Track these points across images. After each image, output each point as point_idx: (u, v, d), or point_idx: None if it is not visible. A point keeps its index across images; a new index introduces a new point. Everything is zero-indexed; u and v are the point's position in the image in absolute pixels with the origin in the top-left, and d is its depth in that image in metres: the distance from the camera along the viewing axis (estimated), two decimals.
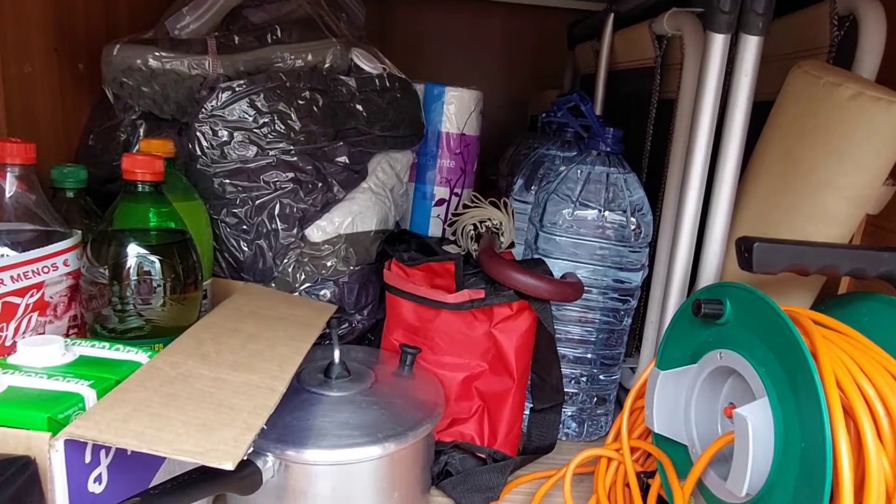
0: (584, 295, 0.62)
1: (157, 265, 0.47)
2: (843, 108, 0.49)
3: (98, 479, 0.36)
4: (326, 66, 0.65)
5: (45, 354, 0.40)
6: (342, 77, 0.65)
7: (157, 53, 0.60)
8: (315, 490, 0.45)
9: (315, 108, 0.62)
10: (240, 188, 0.61)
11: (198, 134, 0.59)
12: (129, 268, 0.46)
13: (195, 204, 0.58)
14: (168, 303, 0.47)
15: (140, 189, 0.47)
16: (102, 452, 0.37)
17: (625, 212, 0.63)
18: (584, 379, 0.67)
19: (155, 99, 0.62)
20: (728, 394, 0.46)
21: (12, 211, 0.46)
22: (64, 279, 0.48)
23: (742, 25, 0.52)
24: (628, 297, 0.66)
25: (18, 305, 0.44)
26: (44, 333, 0.47)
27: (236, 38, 0.63)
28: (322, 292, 0.65)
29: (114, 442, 0.33)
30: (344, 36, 0.68)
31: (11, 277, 0.44)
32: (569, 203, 0.63)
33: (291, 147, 0.61)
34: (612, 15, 0.86)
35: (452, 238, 0.77)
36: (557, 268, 0.63)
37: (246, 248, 0.62)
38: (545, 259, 0.63)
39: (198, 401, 0.38)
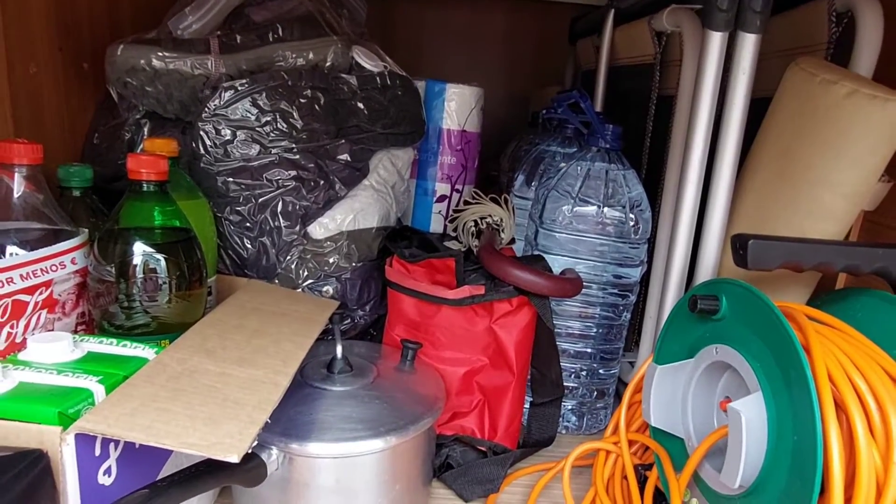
0: (584, 290, 0.63)
1: (163, 263, 0.48)
2: (838, 105, 0.49)
3: (108, 471, 0.37)
4: (328, 64, 0.66)
5: (54, 351, 0.41)
6: (343, 75, 0.66)
7: (160, 53, 0.61)
8: (318, 482, 0.46)
9: (317, 107, 0.63)
10: (243, 186, 0.62)
11: (201, 133, 0.60)
12: (136, 266, 0.47)
13: (199, 202, 0.59)
14: (173, 299, 0.48)
15: (145, 188, 0.48)
16: (111, 446, 0.38)
17: (624, 208, 0.64)
18: (583, 373, 0.68)
19: (158, 98, 0.63)
20: (724, 388, 0.47)
21: (20, 210, 0.47)
22: (72, 277, 0.49)
23: (740, 23, 0.53)
24: (627, 293, 0.67)
25: (28, 303, 0.45)
26: (53, 330, 0.48)
27: (238, 38, 0.63)
28: (325, 288, 0.66)
29: (122, 436, 0.34)
30: (345, 34, 0.69)
31: (21, 276, 0.44)
32: (568, 199, 0.64)
33: (294, 145, 0.62)
34: (613, 11, 0.86)
35: (453, 234, 0.78)
36: (557, 264, 0.64)
37: (249, 246, 0.63)
38: (545, 255, 0.64)
39: (203, 395, 0.39)
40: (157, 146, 0.55)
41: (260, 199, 0.62)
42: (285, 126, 0.62)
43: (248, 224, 0.63)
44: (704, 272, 0.58)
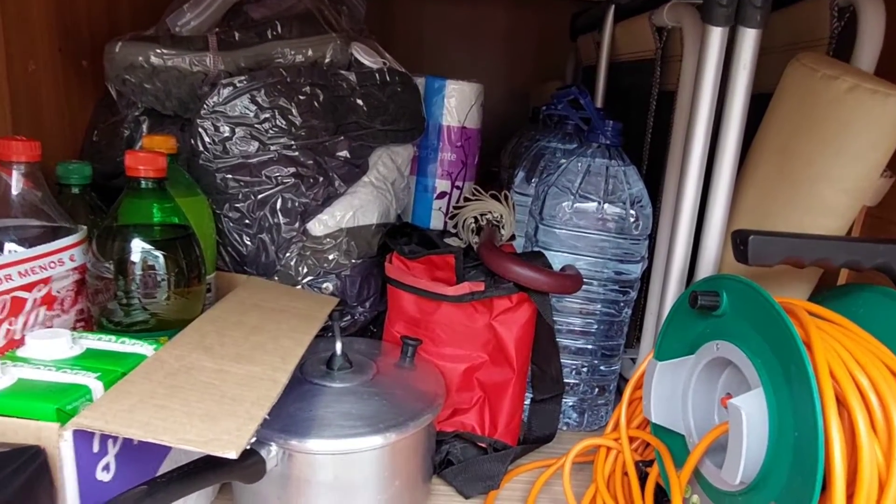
0: (585, 287, 0.63)
1: (161, 260, 0.48)
2: (840, 100, 0.49)
3: (106, 467, 0.37)
4: (327, 60, 0.65)
5: (53, 347, 0.41)
6: (342, 72, 0.66)
7: (158, 50, 0.61)
8: (318, 479, 0.46)
9: (316, 103, 0.63)
10: (242, 183, 0.62)
11: (200, 130, 0.60)
12: (134, 263, 0.47)
13: (198, 199, 0.59)
14: (172, 296, 0.48)
15: (143, 185, 0.48)
16: (110, 442, 0.38)
17: (624, 204, 0.63)
18: (584, 369, 0.68)
19: (157, 95, 0.63)
20: (725, 384, 0.47)
21: (19, 207, 0.47)
22: (70, 274, 0.49)
23: (740, 18, 0.52)
24: (628, 289, 0.67)
25: (26, 300, 0.45)
26: (51, 327, 0.48)
27: (237, 35, 0.63)
28: (324, 285, 0.66)
29: (120, 432, 0.34)
30: (344, 30, 0.69)
31: (19, 273, 0.44)
32: (568, 195, 0.64)
33: (292, 142, 0.62)
34: (613, 6, 0.86)
35: (454, 231, 0.78)
36: (557, 260, 0.64)
37: (248, 243, 0.63)
38: (545, 251, 0.63)
39: (201, 392, 0.39)
40: (156, 143, 0.55)
41: (259, 196, 0.62)
42: (284, 123, 0.62)
43: (247, 221, 0.63)
44: (705, 268, 0.57)
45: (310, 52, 0.65)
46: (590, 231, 0.64)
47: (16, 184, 0.47)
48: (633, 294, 0.68)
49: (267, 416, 0.39)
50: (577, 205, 0.63)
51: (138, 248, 0.47)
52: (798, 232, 0.49)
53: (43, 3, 0.65)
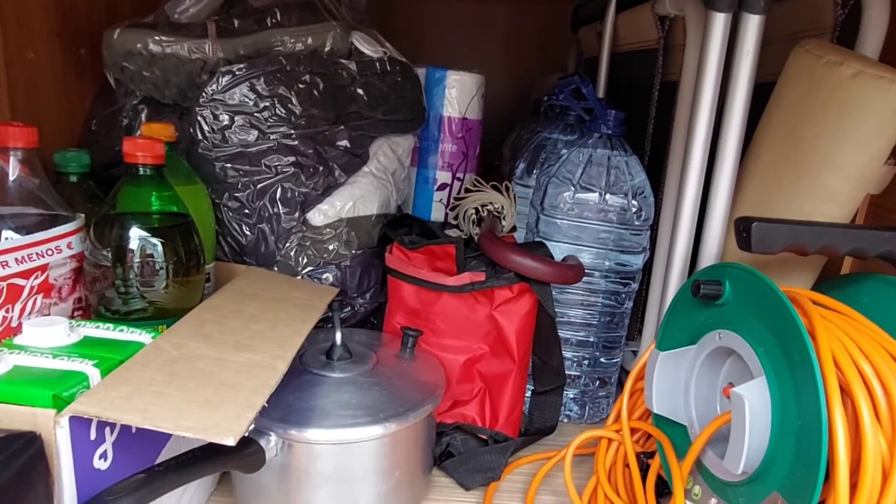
0: (586, 278, 0.62)
1: (160, 248, 0.47)
2: (844, 86, 0.49)
3: (103, 455, 0.37)
4: (327, 49, 0.65)
5: (50, 335, 0.41)
6: (343, 61, 0.65)
7: (157, 38, 0.60)
8: (317, 469, 0.46)
9: (315, 92, 0.62)
10: (241, 172, 0.61)
11: (199, 118, 0.60)
12: (132, 251, 0.47)
13: (197, 188, 0.58)
14: (170, 285, 0.48)
15: (141, 172, 0.47)
16: (107, 430, 0.37)
17: (626, 195, 0.63)
18: (585, 362, 0.68)
19: (156, 83, 0.62)
20: (727, 374, 0.46)
21: (16, 195, 0.47)
22: (68, 262, 0.48)
23: (743, 4, 0.52)
24: (630, 280, 0.66)
25: (23, 287, 0.45)
26: (49, 315, 0.47)
27: (236, 22, 0.63)
28: (324, 276, 0.65)
29: (117, 418, 0.34)
30: (344, 19, 0.68)
31: (16, 259, 0.44)
32: (570, 186, 0.63)
33: (292, 131, 0.62)
34: None
35: (454, 222, 0.78)
36: (559, 251, 0.63)
37: (248, 232, 0.63)
38: (546, 242, 0.63)
39: (200, 379, 0.39)
40: (155, 131, 0.54)
41: (258, 186, 0.62)
42: (284, 111, 0.61)
43: (246, 210, 0.62)
44: (707, 258, 0.57)
45: (309, 41, 0.64)
46: (591, 222, 0.63)
47: (13, 170, 0.47)
48: (635, 285, 0.67)
49: (266, 404, 0.38)
50: (579, 195, 0.63)
51: (136, 235, 0.47)
52: (800, 220, 0.49)
53: None
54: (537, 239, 0.65)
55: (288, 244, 0.64)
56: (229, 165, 0.61)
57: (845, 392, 0.37)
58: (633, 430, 0.54)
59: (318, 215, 0.64)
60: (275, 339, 0.46)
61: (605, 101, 0.86)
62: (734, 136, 0.54)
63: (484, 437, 0.60)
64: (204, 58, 0.61)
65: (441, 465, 0.57)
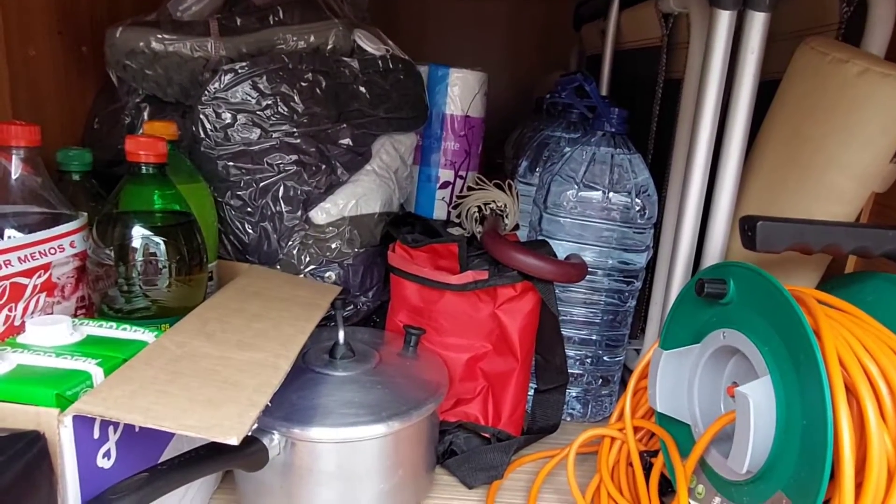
0: (589, 276, 0.62)
1: (162, 246, 0.47)
2: (850, 84, 0.48)
3: (107, 454, 0.37)
4: (329, 47, 0.65)
5: (53, 334, 0.41)
6: (345, 58, 0.65)
7: (159, 36, 0.60)
8: (320, 467, 0.46)
9: (318, 90, 0.62)
10: (243, 171, 0.61)
11: (201, 116, 0.59)
12: (135, 249, 0.46)
13: (199, 186, 0.58)
14: (173, 284, 0.48)
15: (144, 171, 0.47)
16: (111, 429, 0.37)
17: (630, 193, 0.63)
18: (588, 360, 0.68)
19: (158, 82, 0.62)
20: (731, 373, 0.46)
21: (18, 193, 0.47)
22: (71, 260, 0.48)
23: (748, 1, 0.51)
24: (633, 279, 0.66)
25: (26, 286, 0.45)
26: (52, 314, 0.47)
27: (238, 20, 0.63)
28: (327, 274, 0.65)
29: (120, 417, 0.34)
30: (346, 17, 0.68)
31: (19, 258, 0.44)
32: (573, 184, 0.63)
33: (294, 129, 0.61)
34: None
35: (457, 221, 0.78)
36: (562, 249, 0.63)
37: (251, 231, 0.63)
38: (549, 241, 0.63)
39: (203, 378, 0.39)
40: (157, 129, 0.54)
41: (261, 184, 0.62)
42: (286, 110, 0.61)
43: (249, 209, 0.62)
44: (711, 256, 0.57)
45: (312, 39, 0.64)
46: (594, 220, 0.63)
47: (15, 169, 0.46)
48: (638, 284, 0.67)
49: (269, 403, 0.38)
50: (582, 193, 0.63)
51: (139, 234, 0.47)
52: (805, 218, 0.49)
53: None
54: (540, 237, 0.65)
55: (290, 243, 0.64)
56: (232, 164, 0.61)
57: (850, 391, 0.37)
58: (636, 429, 0.54)
59: (321, 213, 0.64)
60: (278, 338, 0.46)
61: (608, 99, 0.86)
62: (738, 135, 0.54)
63: (487, 435, 0.60)
64: (206, 56, 0.61)
65: (444, 463, 0.57)
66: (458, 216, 0.76)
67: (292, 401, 0.46)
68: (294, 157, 0.62)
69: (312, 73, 0.62)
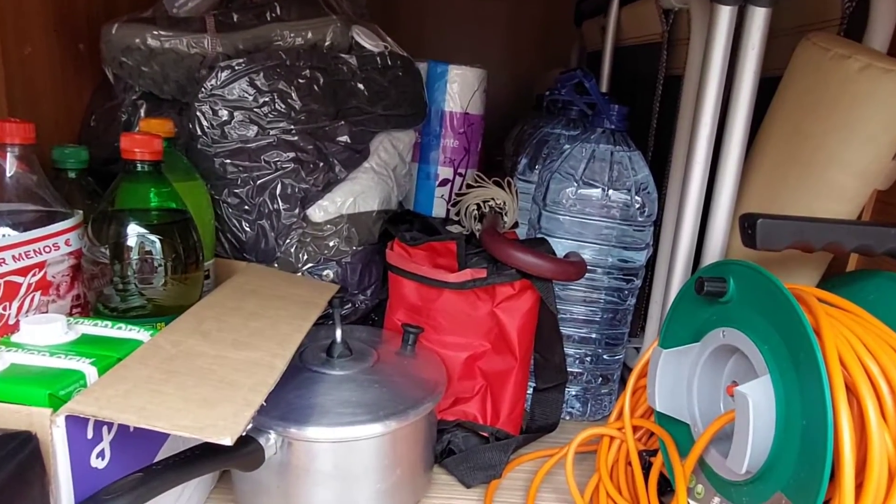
0: (589, 274, 0.62)
1: (158, 245, 0.47)
2: (852, 80, 0.48)
3: (101, 454, 0.37)
4: (327, 43, 0.64)
5: (47, 333, 0.40)
6: (343, 55, 0.65)
7: (155, 32, 0.60)
8: (317, 467, 0.45)
9: (315, 87, 0.62)
10: (241, 168, 0.61)
11: (198, 113, 0.59)
12: (130, 247, 0.46)
13: (196, 184, 0.58)
14: (169, 282, 0.47)
15: (139, 168, 0.47)
16: (105, 429, 0.37)
17: (629, 190, 0.62)
18: (588, 359, 0.67)
19: (154, 79, 0.62)
20: (731, 372, 0.46)
21: (13, 191, 0.47)
22: (66, 259, 0.48)
23: None
24: (633, 277, 0.66)
25: (21, 285, 0.44)
26: (47, 312, 0.47)
27: (235, 16, 0.62)
28: (325, 272, 0.65)
29: (114, 417, 0.34)
30: (344, 13, 0.68)
31: (13, 257, 0.44)
32: (572, 182, 0.63)
33: (292, 126, 0.61)
34: None
35: (456, 218, 0.77)
36: (561, 247, 0.63)
37: (248, 229, 0.62)
38: (548, 238, 0.62)
39: (198, 377, 0.38)
40: (153, 126, 0.54)
41: (258, 182, 0.61)
42: (283, 107, 0.61)
43: (246, 207, 0.62)
44: (711, 254, 0.56)
45: (309, 35, 0.63)
46: (594, 218, 0.63)
47: (10, 167, 0.46)
48: (638, 282, 0.67)
49: (264, 403, 0.38)
50: (581, 191, 0.62)
51: (134, 232, 0.46)
52: (806, 216, 0.48)
53: None
54: (539, 235, 0.65)
55: (288, 241, 0.63)
56: (229, 161, 0.61)
57: (851, 391, 0.36)
58: (635, 428, 0.54)
59: (319, 211, 0.64)
60: (274, 337, 0.46)
61: (608, 95, 0.85)
62: (739, 132, 0.53)
63: (485, 434, 0.60)
64: (203, 52, 0.60)
65: (442, 462, 0.57)
66: (457, 214, 0.76)
67: (289, 400, 0.46)
68: (291, 155, 0.62)
69: (310, 70, 0.62)
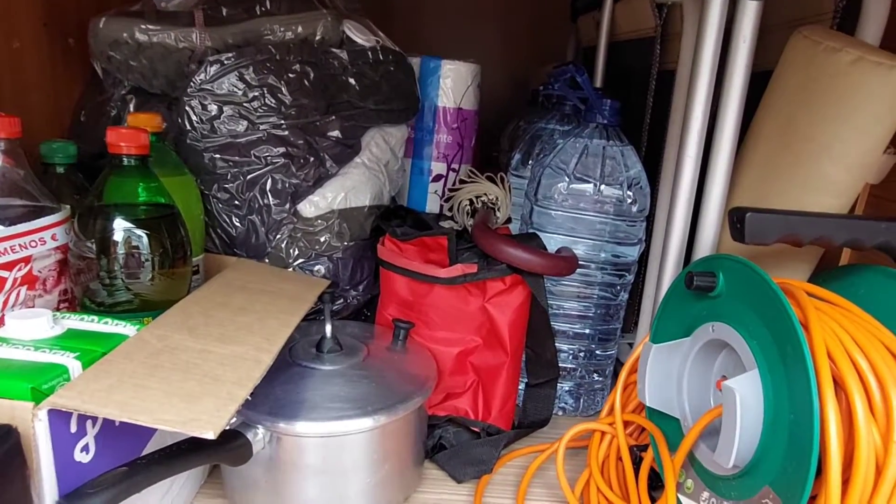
0: (581, 270, 0.61)
1: (145, 239, 0.47)
2: (843, 73, 0.47)
3: (85, 448, 0.37)
4: (317, 38, 0.64)
5: (32, 327, 0.40)
6: (334, 49, 0.64)
7: (143, 26, 0.59)
8: (306, 462, 0.45)
9: (306, 82, 0.62)
10: (230, 163, 0.61)
11: (187, 108, 0.59)
12: (117, 242, 0.46)
13: (186, 179, 0.58)
14: (156, 277, 0.47)
15: (126, 163, 0.47)
16: (89, 423, 0.37)
17: (622, 185, 0.62)
18: (581, 354, 0.67)
19: (143, 73, 0.62)
20: (721, 367, 0.45)
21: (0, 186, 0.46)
22: (52, 253, 0.48)
23: None
24: (625, 272, 0.66)
25: (6, 279, 0.44)
26: (34, 307, 0.47)
27: (224, 10, 0.62)
28: (316, 268, 0.65)
29: (96, 412, 0.33)
30: (335, 7, 0.67)
31: None
32: (564, 177, 0.62)
33: (282, 121, 0.61)
34: None
35: (449, 214, 0.77)
36: (553, 242, 0.62)
37: (238, 224, 0.62)
38: (540, 233, 0.62)
39: (183, 372, 0.38)
40: (141, 121, 0.54)
41: (248, 177, 0.61)
42: (273, 101, 0.60)
43: (236, 202, 0.62)
44: (702, 249, 0.56)
45: (300, 29, 0.63)
46: (586, 213, 0.62)
47: None
48: (630, 277, 0.66)
49: (249, 397, 0.38)
50: (573, 186, 0.62)
51: (121, 227, 0.46)
52: (795, 210, 0.48)
53: None
54: (531, 230, 0.65)
55: (279, 236, 0.63)
56: (218, 156, 0.60)
57: (839, 385, 0.36)
58: (626, 424, 0.54)
59: (310, 206, 0.64)
60: (261, 332, 0.45)
61: (603, 90, 0.85)
62: (731, 125, 0.53)
63: (476, 429, 0.59)
64: (191, 47, 0.60)
65: (433, 457, 0.57)
66: (450, 209, 0.76)
67: (277, 395, 0.46)
68: (282, 150, 0.61)
69: (300, 65, 0.61)
